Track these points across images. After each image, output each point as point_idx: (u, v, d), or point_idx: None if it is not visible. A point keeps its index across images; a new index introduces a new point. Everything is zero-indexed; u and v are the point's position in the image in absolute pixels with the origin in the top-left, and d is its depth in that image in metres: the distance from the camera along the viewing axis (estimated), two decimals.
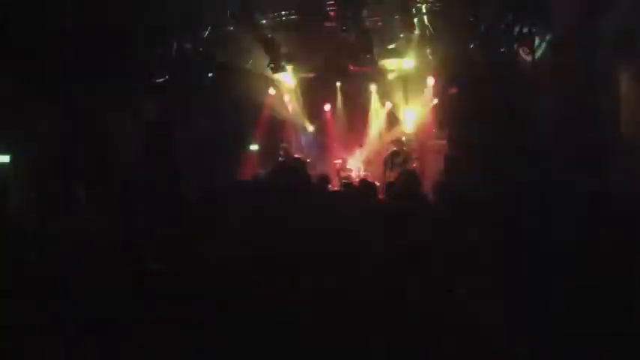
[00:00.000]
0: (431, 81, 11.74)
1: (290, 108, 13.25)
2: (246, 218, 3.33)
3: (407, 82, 11.92)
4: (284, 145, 11.74)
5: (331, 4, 8.35)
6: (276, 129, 13.15)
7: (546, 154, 7.08)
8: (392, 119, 12.45)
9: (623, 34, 4.99)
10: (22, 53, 7.31)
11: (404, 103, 12.34)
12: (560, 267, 2.61)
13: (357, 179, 10.56)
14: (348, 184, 7.07)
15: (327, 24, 8.95)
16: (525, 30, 7.80)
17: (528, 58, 7.86)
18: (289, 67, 10.50)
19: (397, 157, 10.11)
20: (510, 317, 2.04)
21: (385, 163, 10.27)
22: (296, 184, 2.71)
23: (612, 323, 2.17)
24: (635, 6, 4.70)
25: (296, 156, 11.21)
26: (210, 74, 9.54)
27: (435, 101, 11.85)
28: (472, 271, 2.53)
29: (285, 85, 12.36)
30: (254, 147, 13.34)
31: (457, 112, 10.29)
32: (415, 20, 8.76)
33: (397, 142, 10.46)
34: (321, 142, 13.19)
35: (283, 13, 8.65)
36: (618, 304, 2.24)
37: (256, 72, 11.01)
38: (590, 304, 2.22)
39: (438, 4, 8.56)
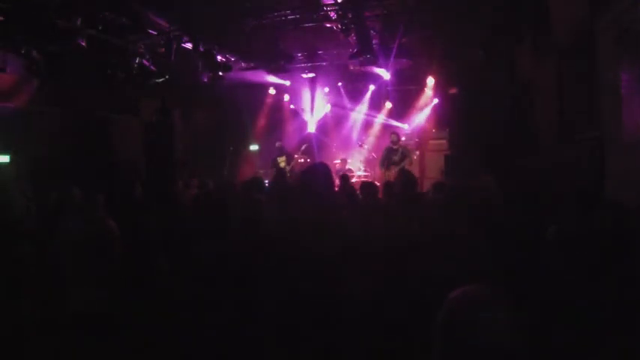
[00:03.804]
0: (431, 81, 11.77)
1: (290, 108, 13.27)
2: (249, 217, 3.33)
3: (407, 81, 11.95)
4: (279, 143, 11.67)
5: (331, 4, 8.32)
6: (276, 129, 13.18)
7: (546, 153, 7.08)
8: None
9: (623, 34, 4.99)
10: (22, 53, 7.32)
11: (403, 102, 12.37)
12: (560, 266, 2.61)
13: (357, 180, 10.53)
14: (345, 178, 7.01)
15: (327, 24, 8.93)
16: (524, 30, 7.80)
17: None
18: (288, 67, 10.48)
19: (394, 153, 9.98)
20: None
21: (382, 162, 10.18)
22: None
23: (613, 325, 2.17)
24: (635, 6, 4.69)
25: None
26: (210, 74, 9.53)
27: (435, 101, 11.89)
28: (471, 271, 2.53)
29: (285, 85, 12.38)
30: (254, 147, 13.35)
31: (457, 112, 10.27)
32: (415, 20, 8.75)
33: (393, 136, 10.29)
34: (322, 142, 13.19)
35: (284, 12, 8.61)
36: (618, 305, 2.24)
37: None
38: (589, 304, 2.22)
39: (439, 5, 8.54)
